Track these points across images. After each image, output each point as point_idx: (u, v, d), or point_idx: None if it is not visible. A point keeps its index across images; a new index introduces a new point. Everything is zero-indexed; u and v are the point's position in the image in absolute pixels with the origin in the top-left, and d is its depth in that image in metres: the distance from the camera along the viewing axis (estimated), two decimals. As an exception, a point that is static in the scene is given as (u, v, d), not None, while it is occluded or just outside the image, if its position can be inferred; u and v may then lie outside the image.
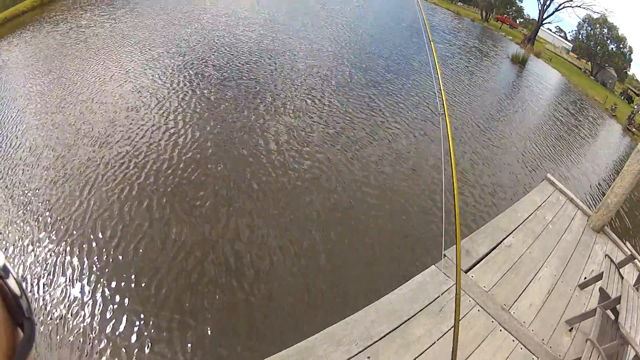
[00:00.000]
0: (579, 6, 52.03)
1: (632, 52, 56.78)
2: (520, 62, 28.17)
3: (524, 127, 13.80)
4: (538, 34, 55.62)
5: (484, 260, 3.89)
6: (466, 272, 3.67)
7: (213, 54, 11.69)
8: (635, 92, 58.43)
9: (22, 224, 5.24)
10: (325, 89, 10.99)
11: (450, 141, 4.17)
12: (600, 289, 3.70)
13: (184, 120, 7.89)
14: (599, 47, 56.40)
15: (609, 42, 56.59)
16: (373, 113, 10.06)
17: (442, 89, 5.64)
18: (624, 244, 5.81)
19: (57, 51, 10.95)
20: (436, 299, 3.30)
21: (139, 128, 7.51)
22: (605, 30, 56.35)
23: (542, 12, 52.64)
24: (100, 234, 5.04)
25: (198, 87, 9.49)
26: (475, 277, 3.66)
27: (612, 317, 3.46)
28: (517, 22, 73.10)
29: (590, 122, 23.05)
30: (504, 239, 4.28)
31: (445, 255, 3.69)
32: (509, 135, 12.16)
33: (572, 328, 3.71)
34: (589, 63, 59.33)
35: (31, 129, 7.44)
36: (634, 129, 29.91)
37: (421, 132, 9.67)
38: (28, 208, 5.51)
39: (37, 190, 5.85)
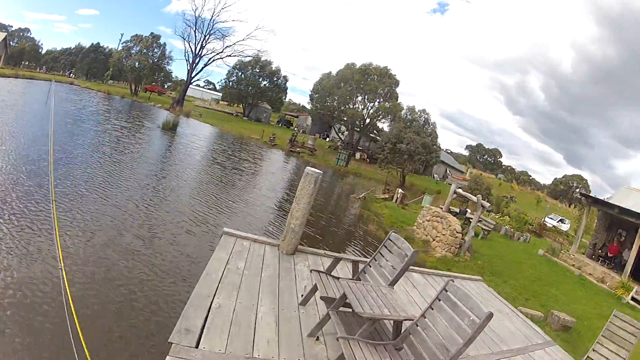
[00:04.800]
0: (230, 55, 57.65)
1: (287, 81, 68.23)
2: (170, 128, 29.05)
3: (185, 192, 13.78)
4: (187, 92, 60.10)
5: (205, 329, 3.99)
6: (197, 347, 3.78)
7: None
8: (292, 115, 70.69)
9: None
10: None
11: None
12: (322, 297, 4.26)
13: None
14: (250, 87, 63.67)
15: (260, 79, 64.89)
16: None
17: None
18: (324, 253, 6.63)
19: None
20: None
21: None
22: (258, 69, 64.32)
23: (190, 71, 56.51)
24: None
25: None
26: (208, 347, 3.77)
27: (348, 311, 4.04)
28: (166, 86, 77.69)
29: (251, 160, 26.58)
30: (211, 303, 4.50)
31: (171, 343, 3.72)
32: (173, 211, 11.40)
33: (317, 337, 4.21)
34: (241, 105, 68.45)
35: None
36: (298, 149, 35.82)
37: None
38: None
39: None
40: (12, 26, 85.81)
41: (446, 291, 3.57)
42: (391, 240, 4.62)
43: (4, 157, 12.15)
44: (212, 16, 55.25)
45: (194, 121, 42.92)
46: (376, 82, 47.19)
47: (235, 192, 15.76)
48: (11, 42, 71.24)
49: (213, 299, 4.59)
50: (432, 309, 3.57)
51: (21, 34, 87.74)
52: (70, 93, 40.37)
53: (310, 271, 4.81)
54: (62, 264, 5.06)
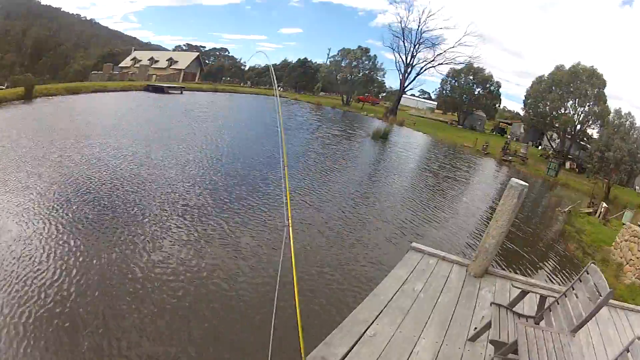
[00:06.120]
0: (441, 63, 57.69)
1: (499, 87, 64.18)
2: (381, 137, 29.57)
3: (395, 198, 14.11)
4: (401, 102, 61.50)
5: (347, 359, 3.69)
6: (329, 381, 3.43)
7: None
8: (506, 123, 66.48)
9: None
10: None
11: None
12: (491, 341, 3.55)
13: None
14: (464, 95, 62.06)
15: (474, 86, 62.78)
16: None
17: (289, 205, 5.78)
18: (516, 278, 5.90)
19: None
20: None
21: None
22: (471, 76, 62.44)
23: (403, 80, 57.71)
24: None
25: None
26: (342, 382, 3.44)
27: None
28: (380, 96, 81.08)
29: (464, 168, 25.72)
30: (366, 330, 3.99)
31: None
32: (387, 213, 11.97)
33: (473, 384, 3.53)
34: (456, 114, 66.32)
35: None
36: (510, 157, 34.03)
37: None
38: None
39: None
40: (204, 47, 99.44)
41: (628, 352, 2.87)
42: (588, 274, 3.72)
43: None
44: (419, 26, 55.75)
45: (407, 130, 43.67)
46: (585, 83, 42.73)
47: (446, 202, 15.50)
48: (206, 61, 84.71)
49: (371, 324, 4.13)
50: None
51: (217, 53, 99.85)
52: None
53: (491, 304, 4.10)
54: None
